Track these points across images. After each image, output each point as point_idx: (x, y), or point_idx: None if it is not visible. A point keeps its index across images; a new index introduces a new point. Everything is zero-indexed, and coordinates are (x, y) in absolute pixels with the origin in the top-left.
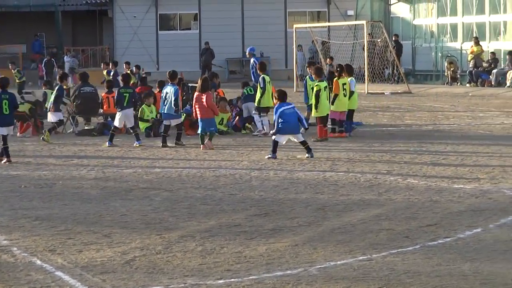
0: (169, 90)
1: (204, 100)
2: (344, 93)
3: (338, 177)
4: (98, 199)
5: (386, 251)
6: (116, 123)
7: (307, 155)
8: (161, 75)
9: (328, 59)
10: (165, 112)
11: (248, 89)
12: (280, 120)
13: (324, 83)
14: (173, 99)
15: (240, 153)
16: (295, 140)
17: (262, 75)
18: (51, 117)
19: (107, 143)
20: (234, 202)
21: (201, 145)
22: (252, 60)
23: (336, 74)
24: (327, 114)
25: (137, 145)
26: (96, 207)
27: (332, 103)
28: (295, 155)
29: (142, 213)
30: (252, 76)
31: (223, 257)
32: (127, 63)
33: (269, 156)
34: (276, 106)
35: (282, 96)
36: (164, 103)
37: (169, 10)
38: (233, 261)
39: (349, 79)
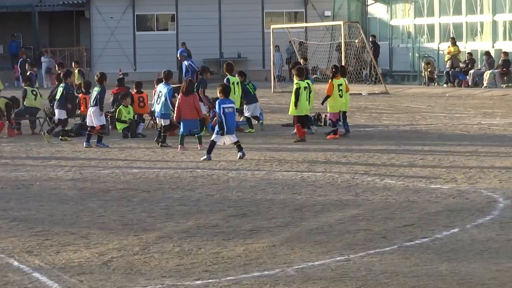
0: (162, 89)
1: (192, 101)
2: (340, 94)
3: (316, 177)
4: (76, 200)
5: (363, 252)
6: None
7: (239, 154)
8: (138, 76)
9: (302, 60)
10: (158, 110)
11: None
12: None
13: (304, 83)
14: (166, 98)
15: (218, 154)
16: (228, 141)
17: (228, 77)
18: (58, 114)
19: (84, 143)
20: (211, 203)
21: (179, 146)
22: (187, 63)
23: (330, 74)
24: (306, 115)
25: (85, 146)
26: (73, 208)
27: (322, 103)
28: (267, 155)
29: (119, 214)
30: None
31: (200, 257)
32: (76, 62)
33: (204, 157)
34: (218, 100)
35: (225, 92)
36: (157, 101)
37: (146, 10)
38: (211, 261)
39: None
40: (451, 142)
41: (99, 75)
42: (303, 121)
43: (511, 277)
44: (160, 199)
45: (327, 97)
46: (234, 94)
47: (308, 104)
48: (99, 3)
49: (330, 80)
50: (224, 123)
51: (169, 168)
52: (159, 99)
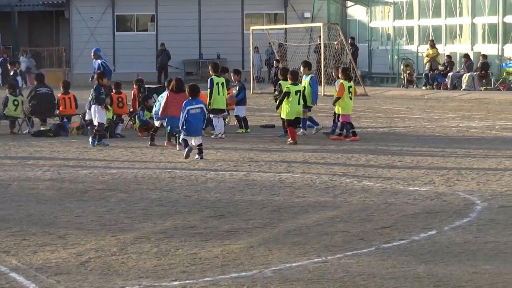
0: (164, 93)
1: (182, 99)
2: (350, 96)
3: (294, 179)
4: (54, 200)
5: (341, 253)
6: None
7: (197, 156)
8: (117, 76)
9: (274, 62)
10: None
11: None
12: (184, 121)
13: (297, 87)
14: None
15: (196, 155)
16: (193, 143)
17: (212, 77)
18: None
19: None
20: (189, 204)
21: (167, 141)
22: (99, 61)
23: (341, 76)
24: (295, 118)
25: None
26: (51, 208)
27: (334, 104)
28: (251, 157)
29: (97, 214)
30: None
31: (178, 258)
32: (12, 63)
33: (186, 150)
34: (184, 101)
35: (193, 92)
36: (155, 104)
37: (126, 11)
38: (188, 262)
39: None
40: (429, 144)
41: (97, 74)
42: (294, 124)
43: (488, 279)
44: (138, 199)
45: (338, 98)
46: (218, 94)
47: (300, 108)
48: (78, 3)
49: (340, 82)
50: (185, 125)
51: (147, 168)
52: (157, 102)
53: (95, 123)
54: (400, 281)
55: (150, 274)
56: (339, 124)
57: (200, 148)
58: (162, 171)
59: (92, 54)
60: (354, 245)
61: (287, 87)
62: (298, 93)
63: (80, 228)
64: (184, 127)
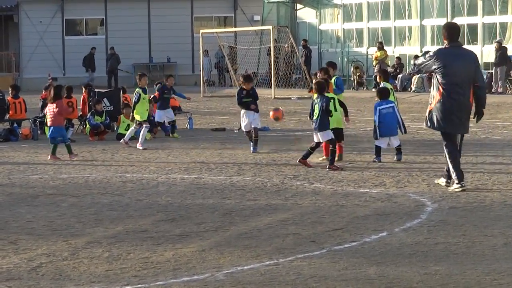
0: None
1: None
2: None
3: (245, 182)
4: (4, 205)
5: (292, 256)
6: None
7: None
8: (67, 81)
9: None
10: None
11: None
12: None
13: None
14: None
15: (147, 159)
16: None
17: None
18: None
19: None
20: (141, 208)
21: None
22: None
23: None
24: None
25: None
26: (1, 213)
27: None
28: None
29: (48, 219)
30: None
31: (130, 263)
32: None
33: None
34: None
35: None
36: None
37: (75, 15)
38: (140, 266)
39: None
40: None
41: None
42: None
43: (439, 280)
44: (89, 204)
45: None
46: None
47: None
48: (28, 8)
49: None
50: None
51: (98, 173)
52: None
53: None
54: (352, 282)
55: (101, 279)
56: None
57: (399, 148)
58: (113, 175)
59: None
60: (306, 247)
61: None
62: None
63: (31, 233)
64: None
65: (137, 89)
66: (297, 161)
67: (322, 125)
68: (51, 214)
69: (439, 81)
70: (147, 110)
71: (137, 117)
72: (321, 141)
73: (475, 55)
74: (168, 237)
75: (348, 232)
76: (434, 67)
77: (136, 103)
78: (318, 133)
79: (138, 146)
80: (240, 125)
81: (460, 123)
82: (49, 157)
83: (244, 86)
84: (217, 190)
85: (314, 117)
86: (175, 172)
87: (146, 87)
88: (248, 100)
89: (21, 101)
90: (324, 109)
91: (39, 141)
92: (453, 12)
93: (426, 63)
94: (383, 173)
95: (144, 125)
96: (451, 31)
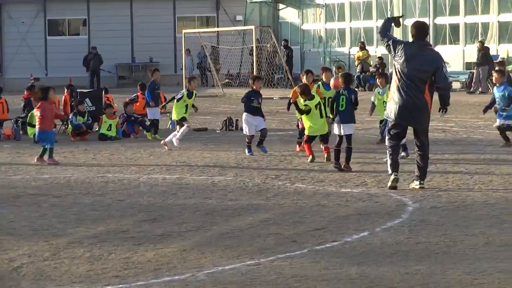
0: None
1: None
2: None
3: (227, 182)
4: None
5: (274, 256)
6: None
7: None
8: (50, 81)
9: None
10: None
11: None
12: None
13: (316, 101)
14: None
15: (129, 159)
16: None
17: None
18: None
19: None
20: (122, 208)
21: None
22: None
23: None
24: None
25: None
26: None
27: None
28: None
29: (30, 219)
30: None
31: (111, 263)
32: None
33: None
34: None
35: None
36: None
37: (57, 15)
38: (121, 267)
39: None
40: (361, 146)
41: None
42: (311, 140)
43: (420, 279)
44: (71, 204)
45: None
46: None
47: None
48: (10, 8)
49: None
50: None
51: (80, 173)
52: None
53: None
54: (333, 282)
55: (83, 279)
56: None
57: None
58: (95, 176)
59: None
60: (287, 247)
61: (305, 104)
62: (317, 107)
63: (13, 234)
64: None
65: (183, 90)
66: (342, 167)
67: (348, 117)
68: (32, 215)
69: (397, 71)
70: (184, 112)
71: (174, 116)
72: (343, 134)
73: (440, 56)
74: (150, 237)
75: (329, 232)
76: (394, 55)
77: (177, 100)
78: (341, 125)
79: (175, 141)
80: (243, 129)
81: (410, 116)
82: (35, 159)
83: (254, 87)
84: (198, 190)
85: (340, 108)
86: (156, 172)
87: (194, 91)
88: (256, 106)
89: (3, 102)
90: (353, 101)
91: (21, 141)
92: (435, 12)
93: (391, 41)
94: (364, 173)
95: (186, 124)
96: (419, 29)
